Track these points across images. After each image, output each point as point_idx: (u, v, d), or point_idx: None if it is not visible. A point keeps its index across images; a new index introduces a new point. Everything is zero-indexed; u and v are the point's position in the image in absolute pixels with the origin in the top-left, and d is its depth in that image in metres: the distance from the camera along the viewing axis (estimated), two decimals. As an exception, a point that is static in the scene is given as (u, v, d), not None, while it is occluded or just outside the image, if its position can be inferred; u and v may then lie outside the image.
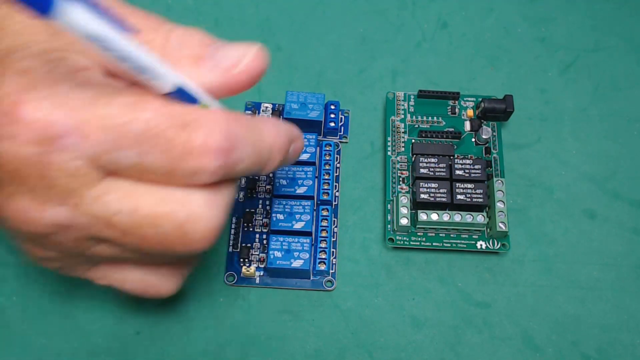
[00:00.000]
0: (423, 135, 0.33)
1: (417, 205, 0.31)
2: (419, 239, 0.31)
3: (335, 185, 0.33)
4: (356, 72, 0.36)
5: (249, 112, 0.34)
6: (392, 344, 0.30)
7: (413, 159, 0.33)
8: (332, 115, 0.33)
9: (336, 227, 0.32)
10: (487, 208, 0.31)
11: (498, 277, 0.31)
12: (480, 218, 0.30)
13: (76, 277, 0.23)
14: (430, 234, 0.31)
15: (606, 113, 0.35)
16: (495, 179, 0.30)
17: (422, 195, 0.30)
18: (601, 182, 0.34)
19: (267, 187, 0.33)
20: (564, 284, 0.31)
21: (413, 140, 0.33)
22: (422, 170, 0.31)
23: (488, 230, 0.31)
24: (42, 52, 0.19)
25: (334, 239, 0.32)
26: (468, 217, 0.30)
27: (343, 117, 0.35)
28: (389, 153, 0.33)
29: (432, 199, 0.30)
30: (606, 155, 0.34)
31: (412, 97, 0.34)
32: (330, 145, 0.32)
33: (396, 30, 0.37)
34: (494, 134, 0.34)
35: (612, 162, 0.34)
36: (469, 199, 0.30)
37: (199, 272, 0.31)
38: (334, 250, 0.31)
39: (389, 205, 0.32)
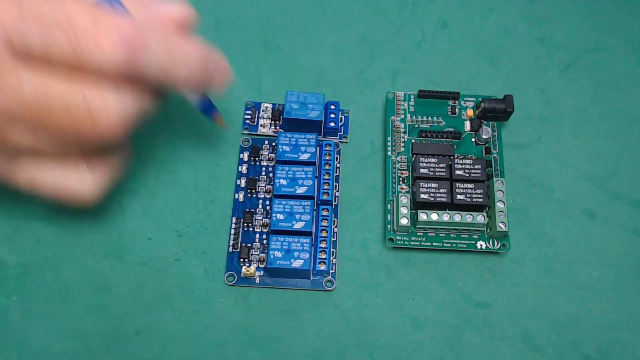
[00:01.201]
0: (423, 135, 0.33)
1: (417, 205, 0.31)
2: (419, 239, 0.31)
3: (335, 185, 0.33)
4: (356, 72, 0.36)
5: (249, 112, 0.34)
6: (392, 344, 0.30)
7: (413, 159, 0.33)
8: (332, 115, 0.33)
9: (336, 227, 0.32)
10: (487, 208, 0.31)
11: (498, 277, 0.31)
12: (480, 218, 0.30)
13: (4, 180, 0.25)
14: (430, 234, 0.31)
15: (606, 113, 0.35)
16: (495, 179, 0.30)
17: (422, 195, 0.30)
18: (601, 182, 0.34)
19: (267, 187, 0.33)
20: (564, 284, 0.31)
21: (413, 140, 0.33)
22: (422, 170, 0.31)
23: (488, 230, 0.31)
24: None
25: (334, 239, 0.32)
26: (468, 217, 0.30)
27: (343, 117, 0.35)
28: (389, 153, 0.33)
29: (432, 199, 0.30)
30: (606, 155, 0.34)
31: (412, 97, 0.34)
32: (330, 145, 0.32)
33: (396, 30, 0.37)
34: (494, 134, 0.34)
35: (612, 162, 0.34)
36: (469, 199, 0.30)
37: (199, 272, 0.31)
38: (334, 250, 0.31)
39: (389, 205, 0.32)
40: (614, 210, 0.33)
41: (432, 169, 0.31)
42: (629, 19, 0.38)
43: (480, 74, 0.36)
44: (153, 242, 0.31)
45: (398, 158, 0.33)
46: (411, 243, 0.31)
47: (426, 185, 0.30)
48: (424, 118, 0.34)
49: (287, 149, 0.31)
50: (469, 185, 0.30)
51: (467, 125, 0.34)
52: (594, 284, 0.31)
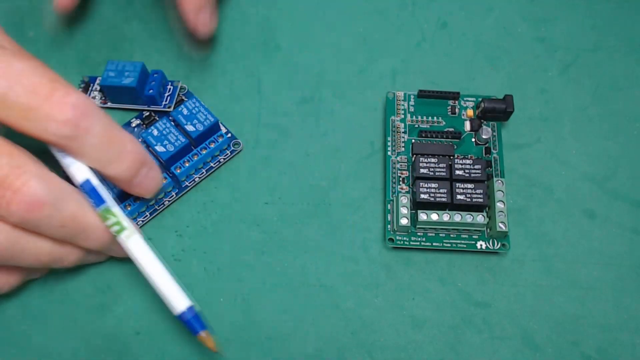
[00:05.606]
0: (423, 135, 0.33)
1: (417, 205, 0.31)
2: (419, 239, 0.31)
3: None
4: (356, 72, 0.36)
5: (83, 85, 0.34)
6: (392, 344, 0.30)
7: (413, 159, 0.33)
8: (153, 83, 0.33)
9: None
10: (487, 208, 0.31)
11: (498, 277, 0.31)
12: (480, 218, 0.30)
13: None
14: (430, 234, 0.31)
15: (606, 113, 0.35)
16: (495, 179, 0.30)
17: (422, 195, 0.30)
18: (601, 182, 0.34)
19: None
20: (564, 284, 0.31)
21: (413, 140, 0.33)
22: (422, 170, 0.31)
23: (488, 230, 0.31)
24: None
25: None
26: (468, 217, 0.30)
27: (172, 87, 0.34)
28: (389, 153, 0.33)
29: (432, 199, 0.30)
30: (606, 155, 0.34)
31: (412, 97, 0.34)
32: (223, 137, 0.32)
33: (396, 30, 0.37)
34: (494, 134, 0.34)
35: (612, 162, 0.34)
36: (469, 199, 0.30)
37: (199, 272, 0.31)
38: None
39: (389, 205, 0.32)
40: (614, 210, 0.33)
41: (432, 169, 0.31)
42: (629, 19, 0.38)
43: (480, 74, 0.36)
44: (153, 242, 0.31)
45: (398, 158, 0.33)
46: (411, 243, 0.31)
47: (426, 185, 0.30)
48: (424, 118, 0.34)
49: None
50: (469, 185, 0.30)
51: (467, 125, 0.34)
52: (594, 284, 0.31)
